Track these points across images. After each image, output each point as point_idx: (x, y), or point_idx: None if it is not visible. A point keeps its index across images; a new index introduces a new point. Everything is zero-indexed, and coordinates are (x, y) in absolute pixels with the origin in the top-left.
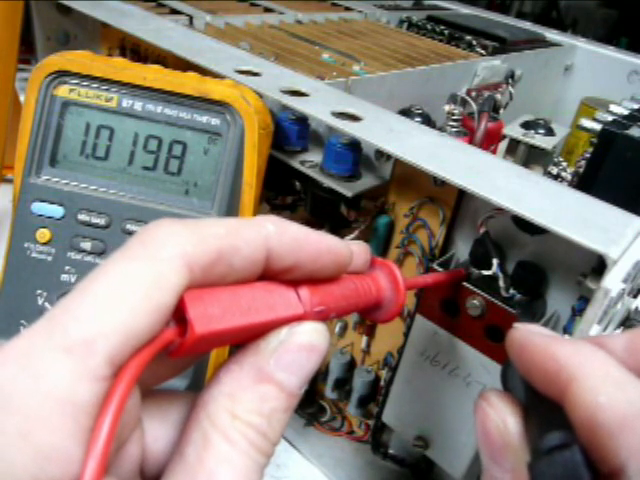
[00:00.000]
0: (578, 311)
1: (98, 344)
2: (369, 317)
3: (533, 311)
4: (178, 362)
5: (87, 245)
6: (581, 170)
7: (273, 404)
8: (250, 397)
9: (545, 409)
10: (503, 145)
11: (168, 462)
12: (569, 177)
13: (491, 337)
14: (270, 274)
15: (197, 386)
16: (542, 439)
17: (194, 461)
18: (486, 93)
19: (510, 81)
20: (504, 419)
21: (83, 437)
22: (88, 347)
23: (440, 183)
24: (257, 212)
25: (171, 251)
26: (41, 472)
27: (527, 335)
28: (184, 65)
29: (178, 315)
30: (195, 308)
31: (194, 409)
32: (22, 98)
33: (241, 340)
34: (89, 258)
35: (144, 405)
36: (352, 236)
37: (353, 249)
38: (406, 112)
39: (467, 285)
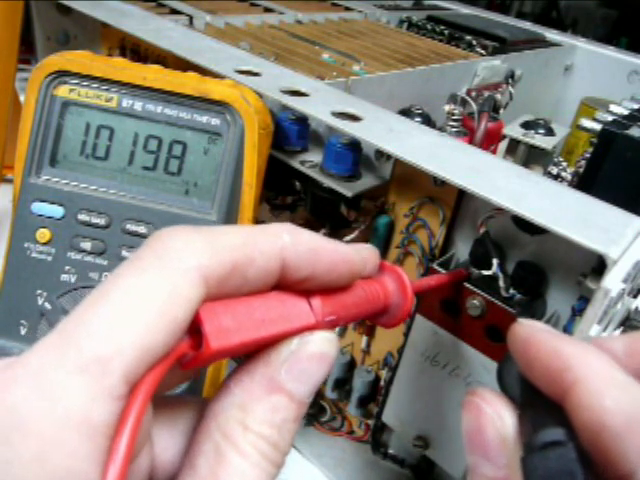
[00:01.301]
0: (578, 311)
1: (114, 362)
2: (376, 322)
3: (533, 311)
4: (187, 371)
5: (87, 245)
6: (581, 170)
7: (284, 414)
8: (261, 408)
9: (541, 406)
10: (503, 145)
11: (178, 473)
12: (569, 177)
13: (491, 337)
14: (284, 284)
15: (195, 391)
16: (537, 435)
17: (206, 474)
18: (486, 93)
19: (510, 81)
20: (501, 414)
21: (100, 458)
22: (103, 366)
23: (440, 183)
24: (257, 212)
25: (187, 263)
26: None
27: (532, 330)
28: (184, 65)
29: (192, 327)
30: (210, 323)
31: (204, 419)
32: (22, 98)
33: (253, 350)
34: (89, 258)
35: (153, 416)
36: (352, 236)
37: (364, 256)
38: (406, 112)
39: (467, 285)
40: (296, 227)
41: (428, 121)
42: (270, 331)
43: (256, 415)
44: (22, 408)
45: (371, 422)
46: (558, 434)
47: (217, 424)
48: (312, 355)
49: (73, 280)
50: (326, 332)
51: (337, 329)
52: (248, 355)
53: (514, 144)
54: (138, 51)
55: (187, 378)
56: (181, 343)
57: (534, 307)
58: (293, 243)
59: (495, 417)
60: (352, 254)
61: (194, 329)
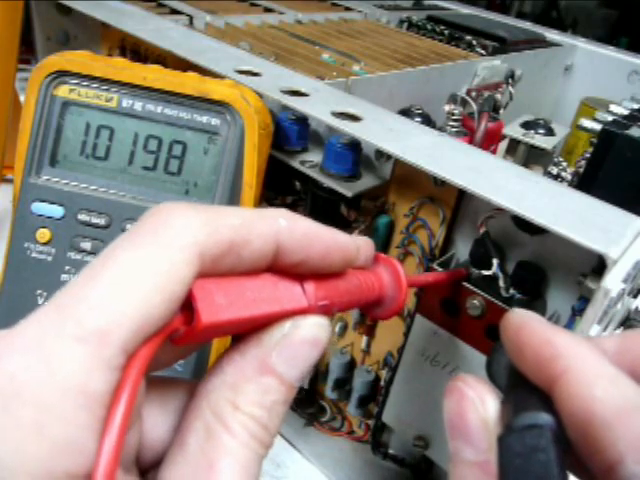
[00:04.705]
0: (578, 311)
1: (113, 334)
2: (370, 313)
3: (533, 311)
4: (180, 349)
5: (87, 245)
6: (581, 170)
7: (274, 396)
8: (252, 388)
9: (525, 392)
10: (503, 145)
11: (167, 451)
12: (569, 177)
13: (491, 337)
14: (278, 267)
15: (198, 374)
16: (516, 417)
17: (195, 451)
18: (486, 93)
19: (510, 81)
20: (483, 398)
21: (97, 428)
22: (103, 336)
23: (440, 183)
24: None
25: (185, 240)
26: (56, 465)
27: (526, 319)
28: (184, 65)
29: (184, 303)
30: (203, 299)
31: (195, 398)
32: (22, 98)
33: (245, 330)
34: (89, 258)
35: (145, 394)
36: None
37: (359, 244)
38: (406, 112)
39: (467, 285)
40: (293, 213)
41: (428, 121)
42: (261, 311)
43: (247, 396)
44: (20, 376)
45: (371, 422)
46: (537, 418)
47: (208, 403)
48: (304, 339)
49: None
50: (318, 317)
51: (337, 329)
52: (240, 336)
53: (514, 144)
54: (138, 51)
55: (179, 356)
56: (175, 319)
57: (534, 307)
58: (289, 227)
59: (477, 401)
60: (346, 241)
61: (186, 305)
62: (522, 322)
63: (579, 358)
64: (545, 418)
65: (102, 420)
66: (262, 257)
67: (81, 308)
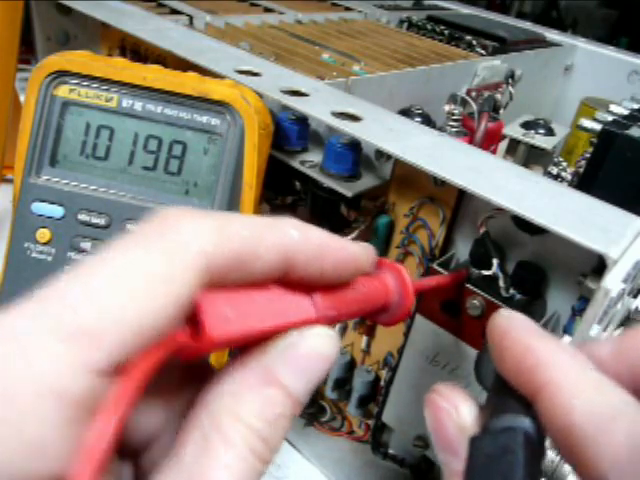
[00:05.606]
0: (578, 311)
1: (99, 336)
2: (375, 320)
3: (533, 311)
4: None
5: (87, 245)
6: (581, 170)
7: (279, 409)
8: (254, 398)
9: (506, 395)
10: (503, 145)
11: (164, 461)
12: (569, 177)
13: None
14: (288, 278)
15: None
16: (492, 421)
17: (191, 463)
18: (486, 93)
19: (510, 81)
20: (457, 406)
21: (73, 432)
22: (86, 338)
23: (440, 183)
24: (257, 212)
25: (191, 248)
26: (28, 464)
27: (511, 323)
28: (184, 65)
29: (192, 317)
30: (210, 312)
31: (195, 406)
32: (22, 98)
33: (252, 342)
34: None
35: (146, 397)
36: (352, 236)
37: (367, 251)
38: (406, 112)
39: (467, 285)
40: (303, 223)
41: (428, 121)
42: (270, 323)
43: (249, 406)
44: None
45: (371, 422)
46: (512, 421)
47: (208, 411)
48: (311, 350)
49: None
50: (326, 328)
51: (337, 329)
52: (243, 347)
53: (514, 144)
54: (138, 51)
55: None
56: (180, 333)
57: (534, 307)
58: (301, 241)
59: (451, 410)
60: (357, 251)
61: (194, 319)
62: (506, 328)
63: (561, 367)
64: (520, 421)
65: (77, 423)
66: (272, 270)
67: (65, 305)
